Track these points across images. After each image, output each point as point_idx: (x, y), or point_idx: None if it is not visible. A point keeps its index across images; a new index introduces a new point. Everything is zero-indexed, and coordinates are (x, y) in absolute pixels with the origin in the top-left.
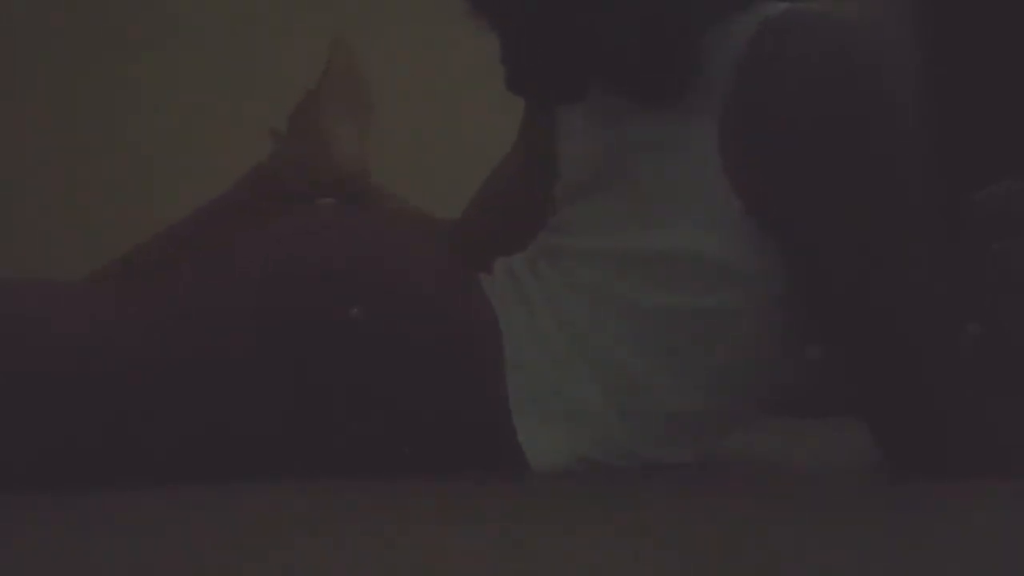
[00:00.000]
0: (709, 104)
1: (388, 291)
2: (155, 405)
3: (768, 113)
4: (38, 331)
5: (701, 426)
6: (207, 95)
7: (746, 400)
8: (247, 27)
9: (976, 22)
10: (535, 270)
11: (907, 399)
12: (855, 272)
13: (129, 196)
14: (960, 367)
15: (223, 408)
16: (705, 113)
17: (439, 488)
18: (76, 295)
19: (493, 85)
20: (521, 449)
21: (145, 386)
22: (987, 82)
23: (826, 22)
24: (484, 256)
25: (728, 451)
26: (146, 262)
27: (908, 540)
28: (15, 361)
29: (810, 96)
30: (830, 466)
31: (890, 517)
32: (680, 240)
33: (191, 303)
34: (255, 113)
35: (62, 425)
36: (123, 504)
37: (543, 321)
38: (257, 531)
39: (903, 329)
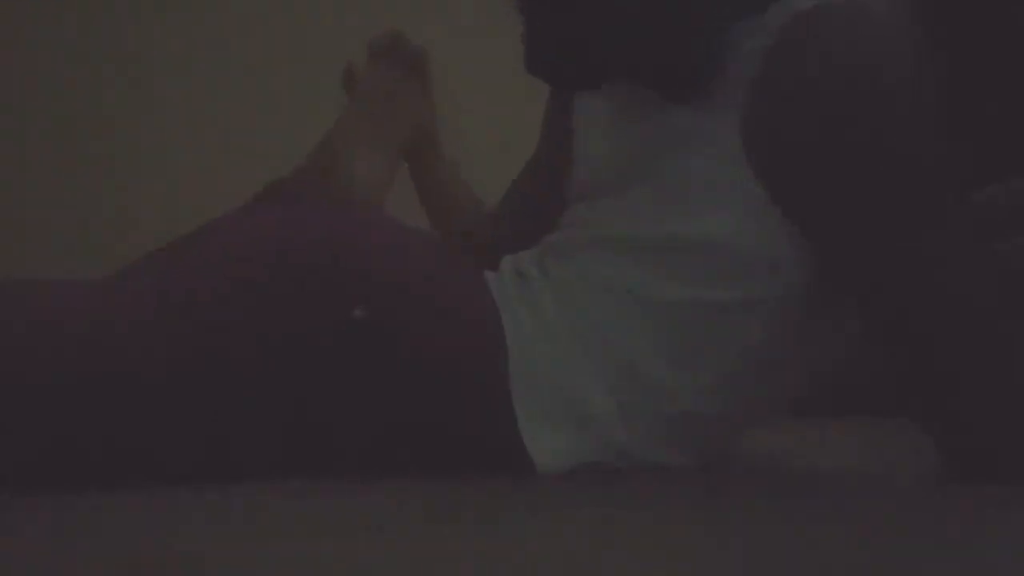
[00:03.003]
0: (734, 96)
1: (391, 292)
2: (156, 408)
3: (788, 107)
4: (39, 332)
5: (707, 430)
6: (217, 96)
7: (754, 404)
8: (266, 30)
9: (977, 19)
10: (543, 267)
11: (954, 397)
12: (878, 270)
13: (130, 196)
14: (1009, 363)
15: (226, 411)
16: (730, 105)
17: (438, 490)
18: (79, 296)
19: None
20: (527, 452)
21: (146, 389)
22: (988, 80)
23: (850, 17)
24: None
25: (729, 451)
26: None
27: (908, 541)
28: (15, 362)
29: (830, 92)
30: (832, 467)
31: (891, 518)
32: (706, 228)
33: (193, 307)
34: (260, 119)
35: (62, 426)
36: (123, 504)
37: (551, 321)
38: (257, 531)
39: (932, 325)
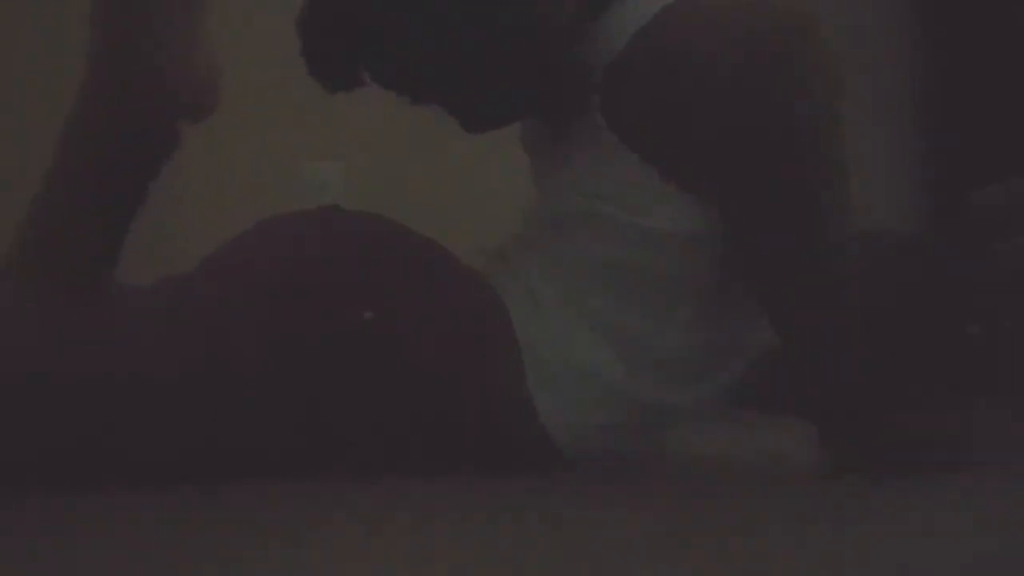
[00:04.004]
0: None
1: (398, 292)
2: (157, 408)
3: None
4: (44, 333)
5: (700, 365)
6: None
7: (730, 338)
8: (268, 29)
9: (977, 19)
10: (521, 251)
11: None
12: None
13: None
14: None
15: (227, 411)
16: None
17: (439, 489)
18: (84, 296)
19: None
20: (541, 426)
21: (147, 389)
22: (988, 80)
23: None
24: None
25: (726, 451)
26: (41, 247)
27: (903, 539)
28: (20, 363)
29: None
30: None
31: (885, 516)
32: (619, 208)
33: (195, 308)
34: (262, 117)
35: (63, 425)
36: (123, 504)
37: (545, 298)
38: (260, 531)
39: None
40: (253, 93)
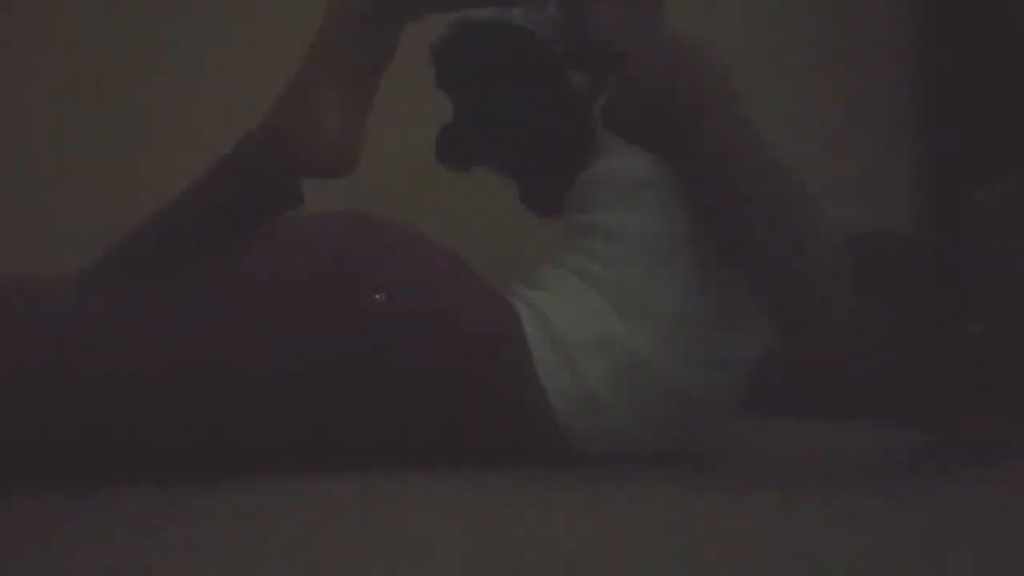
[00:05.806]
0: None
1: (407, 285)
2: (156, 408)
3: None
4: (40, 331)
5: (708, 337)
6: (218, 91)
7: (732, 313)
8: (257, 24)
9: (976, 20)
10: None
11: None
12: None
13: (129, 196)
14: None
15: (227, 411)
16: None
17: (440, 487)
18: (92, 294)
19: None
20: (557, 426)
21: (146, 389)
22: (987, 80)
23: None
24: None
25: (730, 451)
26: (143, 252)
27: (904, 539)
28: (26, 361)
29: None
30: (831, 466)
31: (887, 516)
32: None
33: (196, 309)
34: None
35: (61, 425)
36: (123, 504)
37: (565, 296)
38: (261, 531)
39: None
40: (254, 91)
